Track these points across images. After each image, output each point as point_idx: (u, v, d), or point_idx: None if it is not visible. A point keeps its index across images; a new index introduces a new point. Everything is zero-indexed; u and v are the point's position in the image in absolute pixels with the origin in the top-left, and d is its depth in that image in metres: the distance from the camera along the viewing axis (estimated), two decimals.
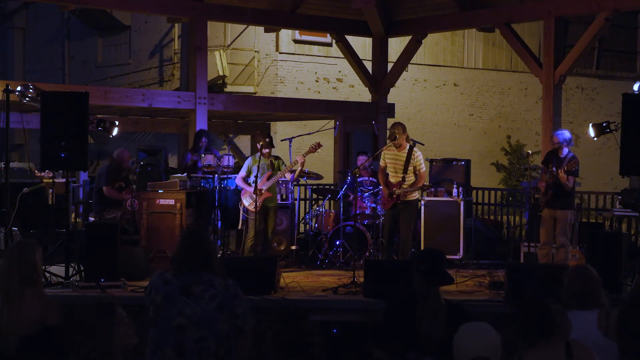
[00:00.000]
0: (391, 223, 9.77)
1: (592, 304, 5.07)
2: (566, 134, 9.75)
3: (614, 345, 4.76)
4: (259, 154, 10.12)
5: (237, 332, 4.73)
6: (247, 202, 10.00)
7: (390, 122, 14.17)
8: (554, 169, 9.42)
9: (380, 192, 10.23)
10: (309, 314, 7.59)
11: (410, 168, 9.65)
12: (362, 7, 13.07)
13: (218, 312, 4.64)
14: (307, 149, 10.17)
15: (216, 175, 10.66)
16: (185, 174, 11.03)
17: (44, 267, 8.40)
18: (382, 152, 9.94)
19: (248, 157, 10.96)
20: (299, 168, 10.06)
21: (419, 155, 9.73)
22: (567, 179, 9.33)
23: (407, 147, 9.71)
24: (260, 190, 9.84)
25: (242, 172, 10.18)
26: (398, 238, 9.91)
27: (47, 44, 25.80)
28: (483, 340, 4.12)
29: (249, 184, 9.99)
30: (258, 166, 9.84)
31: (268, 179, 9.98)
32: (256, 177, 9.73)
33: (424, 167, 9.80)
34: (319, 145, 10.11)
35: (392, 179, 9.77)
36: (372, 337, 5.46)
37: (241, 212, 10.14)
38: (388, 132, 9.83)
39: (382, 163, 9.90)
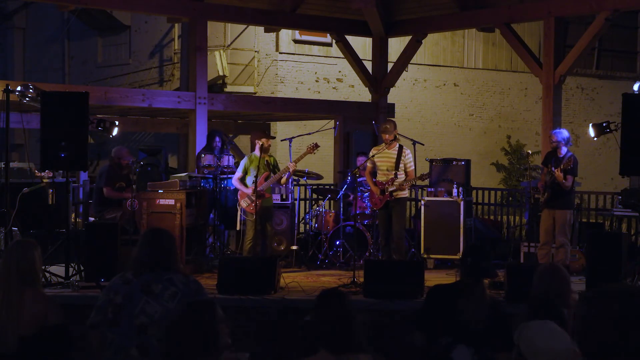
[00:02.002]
0: (386, 222, 9.82)
1: (561, 304, 5.02)
2: (564, 133, 9.77)
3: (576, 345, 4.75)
4: (255, 153, 10.02)
5: None
6: (244, 203, 9.91)
7: None
8: (552, 168, 9.43)
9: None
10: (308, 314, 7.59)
11: (401, 166, 9.74)
12: (362, 7, 13.07)
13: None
14: (304, 150, 10.10)
15: (216, 175, 10.64)
16: (206, 172, 10.88)
17: (44, 267, 8.41)
18: (370, 153, 10.03)
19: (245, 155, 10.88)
20: (288, 175, 9.96)
21: (408, 153, 9.91)
22: (565, 177, 9.33)
23: (397, 146, 9.84)
24: (260, 191, 9.74)
25: (239, 173, 9.97)
26: None
27: (47, 44, 25.80)
28: (562, 341, 4.04)
29: (246, 185, 9.94)
30: (258, 166, 9.74)
31: (266, 179, 9.89)
32: (256, 177, 9.68)
33: (412, 166, 9.94)
34: (316, 146, 10.00)
35: (381, 178, 9.87)
36: (414, 319, 5.63)
37: (239, 212, 10.06)
38: (381, 127, 9.92)
39: (369, 164, 9.96)
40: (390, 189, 9.69)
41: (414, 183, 9.98)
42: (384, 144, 9.87)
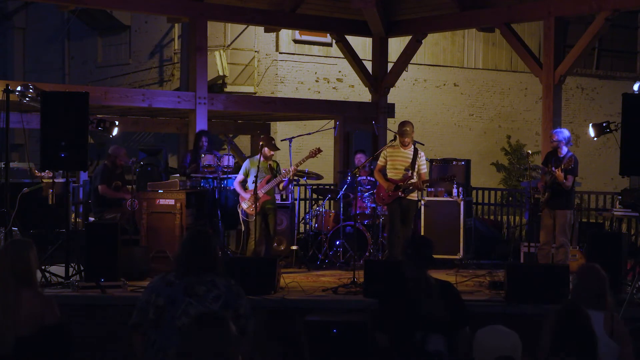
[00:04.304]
0: (398, 215, 9.75)
1: (601, 305, 5.05)
2: (565, 132, 9.77)
3: (616, 347, 4.77)
4: (258, 156, 10.06)
5: (239, 332, 4.72)
6: (245, 205, 9.97)
7: (390, 122, 14.22)
8: (553, 168, 9.43)
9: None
10: (308, 314, 7.59)
11: (416, 167, 9.76)
12: (362, 7, 13.07)
13: (222, 312, 4.64)
14: (306, 153, 10.13)
15: (216, 175, 10.64)
16: (185, 176, 10.99)
17: (44, 267, 8.42)
18: (384, 151, 9.99)
19: (247, 158, 10.93)
20: (287, 180, 10.04)
21: (423, 155, 9.99)
22: (565, 177, 9.33)
23: (412, 147, 9.88)
24: (257, 194, 9.75)
25: (240, 176, 10.12)
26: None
27: (47, 44, 25.78)
28: (506, 340, 4.13)
29: (246, 188, 9.98)
30: (258, 167, 9.76)
31: (267, 182, 9.95)
32: (256, 177, 9.69)
33: (425, 169, 10.03)
34: (318, 151, 10.09)
35: (393, 177, 9.84)
36: (372, 323, 5.70)
37: (240, 214, 10.10)
38: (399, 128, 9.90)
39: (381, 162, 9.94)
40: (404, 185, 9.71)
41: (432, 186, 10.05)
42: (399, 144, 9.87)
